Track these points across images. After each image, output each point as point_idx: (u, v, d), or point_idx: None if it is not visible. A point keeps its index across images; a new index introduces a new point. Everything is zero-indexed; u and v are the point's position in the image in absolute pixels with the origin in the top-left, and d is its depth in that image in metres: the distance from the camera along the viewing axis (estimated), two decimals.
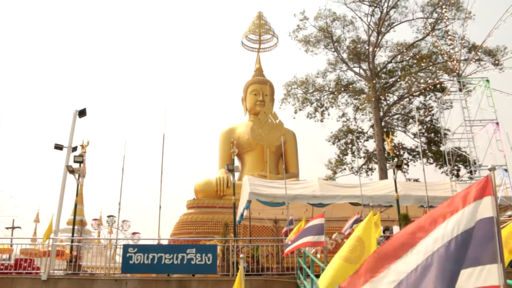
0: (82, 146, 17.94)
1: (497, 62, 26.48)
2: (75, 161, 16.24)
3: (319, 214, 10.55)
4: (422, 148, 28.97)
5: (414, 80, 28.69)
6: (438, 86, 27.45)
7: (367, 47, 31.25)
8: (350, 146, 32.22)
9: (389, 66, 31.98)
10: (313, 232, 10.15)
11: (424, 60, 28.41)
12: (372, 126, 31.12)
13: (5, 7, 74.53)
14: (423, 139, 30.59)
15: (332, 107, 32.37)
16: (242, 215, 17.07)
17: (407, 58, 30.90)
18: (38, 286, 13.13)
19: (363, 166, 32.25)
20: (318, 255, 13.04)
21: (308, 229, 10.42)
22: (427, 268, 3.01)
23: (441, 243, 2.98)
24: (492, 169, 2.91)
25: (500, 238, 2.69)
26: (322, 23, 31.46)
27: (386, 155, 27.21)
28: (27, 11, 77.94)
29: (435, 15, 29.53)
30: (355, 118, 32.82)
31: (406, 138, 31.63)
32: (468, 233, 2.88)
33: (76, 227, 16.60)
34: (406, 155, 31.31)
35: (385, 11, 30.44)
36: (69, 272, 14.18)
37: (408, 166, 30.99)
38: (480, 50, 26.35)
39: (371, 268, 3.30)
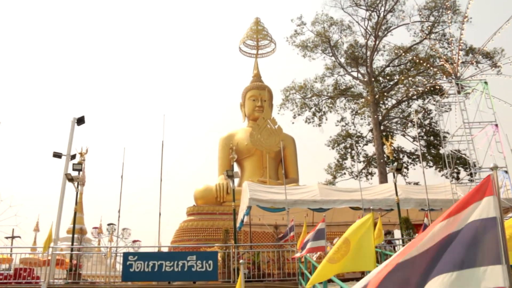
0: (81, 154, 17.89)
1: (495, 64, 26.49)
2: (74, 169, 16.17)
3: (321, 219, 10.52)
4: (422, 151, 28.92)
5: (412, 83, 28.68)
6: (436, 88, 27.44)
7: (364, 51, 31.30)
8: (349, 150, 32.15)
9: (387, 69, 32.00)
10: (314, 238, 10.11)
11: (421, 63, 28.43)
12: (371, 130, 31.08)
13: (4, 15, 74.72)
14: (423, 142, 30.55)
15: (330, 111, 32.37)
16: (242, 221, 17.01)
17: (405, 62, 30.92)
18: None
19: (363, 170, 32.16)
20: (314, 258, 12.92)
21: (312, 235, 10.38)
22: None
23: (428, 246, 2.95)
24: (494, 168, 2.86)
25: (505, 239, 2.65)
26: (319, 28, 31.53)
27: (385, 159, 27.15)
28: (26, 19, 78.15)
29: (432, 18, 29.59)
30: (353, 123, 32.82)
31: (405, 141, 31.62)
32: (454, 236, 2.83)
33: (76, 235, 16.51)
34: (405, 159, 31.26)
35: (382, 15, 30.50)
36: (69, 281, 14.09)
37: (408, 169, 30.94)
38: (478, 53, 26.37)
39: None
